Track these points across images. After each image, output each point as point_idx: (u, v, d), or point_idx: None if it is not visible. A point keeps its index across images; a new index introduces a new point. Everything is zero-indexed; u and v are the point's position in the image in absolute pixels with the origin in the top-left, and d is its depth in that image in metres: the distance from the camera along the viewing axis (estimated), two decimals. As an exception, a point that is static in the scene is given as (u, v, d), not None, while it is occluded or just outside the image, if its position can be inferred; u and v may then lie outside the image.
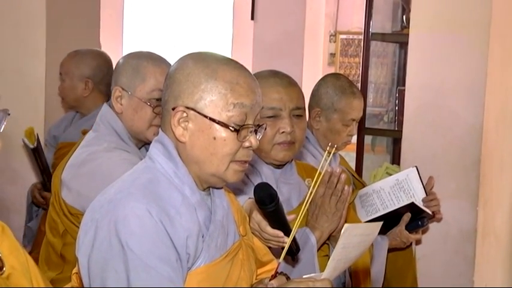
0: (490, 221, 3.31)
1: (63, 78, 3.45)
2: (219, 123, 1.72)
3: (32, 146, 3.26)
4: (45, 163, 3.26)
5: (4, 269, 1.48)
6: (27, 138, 3.33)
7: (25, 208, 3.60)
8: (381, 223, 1.84)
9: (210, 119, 1.72)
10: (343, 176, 2.29)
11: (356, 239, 1.72)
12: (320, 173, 2.01)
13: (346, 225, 1.68)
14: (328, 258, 2.38)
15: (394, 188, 3.10)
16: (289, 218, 2.06)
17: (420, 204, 3.02)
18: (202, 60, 1.76)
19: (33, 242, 3.46)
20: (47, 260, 2.60)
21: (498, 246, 3.44)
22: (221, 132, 1.72)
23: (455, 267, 3.23)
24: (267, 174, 2.40)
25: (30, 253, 3.42)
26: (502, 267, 3.52)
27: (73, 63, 3.44)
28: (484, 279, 3.29)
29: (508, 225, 3.53)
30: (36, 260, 3.05)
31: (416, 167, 3.09)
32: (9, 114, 1.47)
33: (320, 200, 2.30)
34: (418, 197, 3.07)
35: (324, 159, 1.99)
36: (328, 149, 2.01)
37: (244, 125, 1.74)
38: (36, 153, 3.22)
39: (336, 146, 2.15)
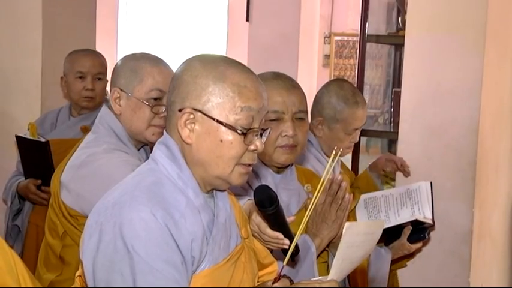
0: (485, 222, 3.33)
1: (103, 78, 3.48)
2: (226, 125, 1.71)
3: (44, 140, 3.24)
4: (51, 158, 3.24)
5: None
6: (31, 133, 3.33)
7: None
8: (383, 221, 1.84)
9: (218, 121, 1.71)
10: (344, 183, 2.28)
11: (359, 238, 1.71)
12: (324, 179, 2.00)
13: (347, 223, 1.67)
14: (327, 265, 2.40)
15: (403, 195, 3.14)
16: (288, 219, 2.06)
17: (422, 218, 3.04)
18: (210, 63, 1.76)
19: (24, 239, 3.44)
20: (45, 261, 2.60)
21: (494, 247, 3.45)
22: (228, 135, 1.72)
23: (451, 268, 3.24)
24: (268, 181, 2.39)
25: (22, 251, 3.42)
26: (498, 268, 3.53)
27: (106, 63, 3.48)
28: (480, 280, 3.30)
29: (503, 226, 3.55)
30: (32, 258, 3.06)
31: (431, 182, 3.14)
32: None
33: (320, 208, 2.29)
34: (422, 208, 3.09)
35: (328, 165, 1.98)
36: (333, 153, 2.00)
37: (250, 128, 1.74)
38: (48, 148, 3.21)
39: (341, 150, 2.14)
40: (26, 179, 3.44)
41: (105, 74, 3.48)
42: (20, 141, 3.40)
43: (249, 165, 1.78)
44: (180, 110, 1.74)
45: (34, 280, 1.61)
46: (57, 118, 3.63)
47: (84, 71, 3.48)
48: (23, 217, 3.51)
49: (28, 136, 3.36)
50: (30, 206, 3.46)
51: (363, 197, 3.29)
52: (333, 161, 1.99)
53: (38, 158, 3.28)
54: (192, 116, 1.73)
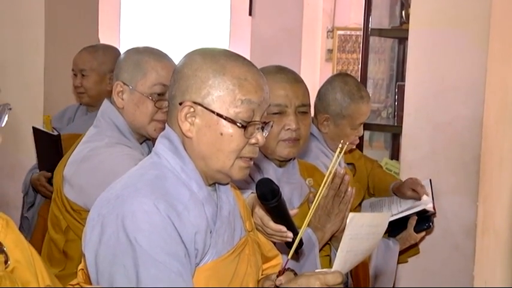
0: (489, 217, 3.32)
1: (86, 74, 3.51)
2: (226, 119, 1.71)
3: (56, 133, 3.26)
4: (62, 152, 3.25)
5: (9, 262, 1.48)
6: (46, 125, 3.35)
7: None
8: (389, 214, 1.83)
9: (218, 114, 1.71)
10: (347, 177, 2.28)
11: (364, 230, 1.69)
12: (331, 172, 1.99)
13: (351, 214, 1.65)
14: (330, 259, 2.40)
15: None
16: (291, 213, 2.05)
17: (428, 207, 3.06)
18: (210, 56, 1.75)
19: (32, 232, 3.45)
20: (49, 256, 2.60)
21: (498, 241, 3.45)
22: (228, 128, 1.71)
23: (455, 262, 3.24)
24: (270, 174, 2.39)
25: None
26: (502, 262, 3.52)
27: (98, 58, 3.51)
28: (484, 274, 3.29)
29: (507, 220, 3.54)
30: (38, 251, 3.05)
31: (430, 180, 3.18)
32: (10, 109, 1.47)
33: (323, 201, 2.29)
34: (424, 202, 3.12)
35: (334, 159, 1.97)
36: (339, 147, 1.98)
37: (251, 121, 1.73)
38: (59, 141, 3.22)
39: (347, 143, 2.13)
40: (40, 171, 3.45)
41: (92, 70, 3.50)
42: (36, 132, 3.42)
43: (250, 158, 1.77)
44: (180, 104, 1.74)
45: (52, 276, 1.62)
46: (76, 113, 3.68)
47: (73, 68, 3.58)
48: (33, 210, 3.52)
49: (44, 128, 3.37)
50: (42, 199, 3.47)
51: (368, 201, 3.30)
52: (338, 155, 1.98)
53: (50, 151, 3.29)
54: (192, 109, 1.72)
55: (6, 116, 1.45)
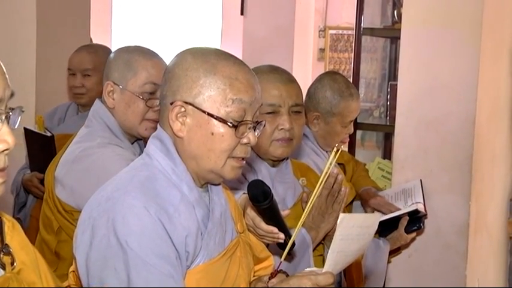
0: (482, 216, 3.32)
1: (90, 74, 3.46)
2: (217, 118, 1.70)
3: (50, 134, 3.24)
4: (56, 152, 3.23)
5: (15, 264, 1.49)
6: (38, 126, 3.34)
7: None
8: (379, 214, 1.83)
9: (208, 114, 1.70)
10: (340, 177, 2.28)
11: (354, 231, 1.69)
12: (327, 173, 1.98)
13: (341, 215, 1.64)
14: (323, 259, 2.39)
15: (398, 194, 3.17)
16: (283, 213, 2.05)
17: (420, 208, 3.06)
18: (201, 55, 1.75)
19: (25, 233, 3.43)
20: (41, 257, 2.58)
21: (490, 240, 3.45)
22: (219, 127, 1.70)
23: (447, 261, 3.24)
24: (263, 173, 2.39)
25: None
26: (494, 261, 3.53)
27: (100, 58, 3.43)
28: (477, 273, 3.30)
29: (499, 219, 3.55)
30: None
31: (420, 180, 3.18)
32: (23, 111, 1.47)
33: (317, 201, 2.28)
34: (415, 199, 3.12)
35: (329, 161, 1.96)
36: (334, 150, 1.98)
37: (242, 121, 1.72)
38: (53, 142, 3.20)
39: (342, 146, 2.14)
40: (31, 171, 3.42)
41: (95, 70, 3.44)
42: (27, 133, 3.38)
43: (242, 158, 1.77)
44: (171, 104, 1.73)
45: (55, 279, 1.62)
46: (66, 113, 3.64)
47: (72, 68, 3.50)
48: (25, 210, 3.50)
49: (35, 129, 3.35)
50: (34, 200, 3.45)
51: (359, 201, 3.31)
52: (334, 157, 1.97)
53: (43, 152, 3.26)
54: (183, 109, 1.72)
55: (19, 118, 1.45)
